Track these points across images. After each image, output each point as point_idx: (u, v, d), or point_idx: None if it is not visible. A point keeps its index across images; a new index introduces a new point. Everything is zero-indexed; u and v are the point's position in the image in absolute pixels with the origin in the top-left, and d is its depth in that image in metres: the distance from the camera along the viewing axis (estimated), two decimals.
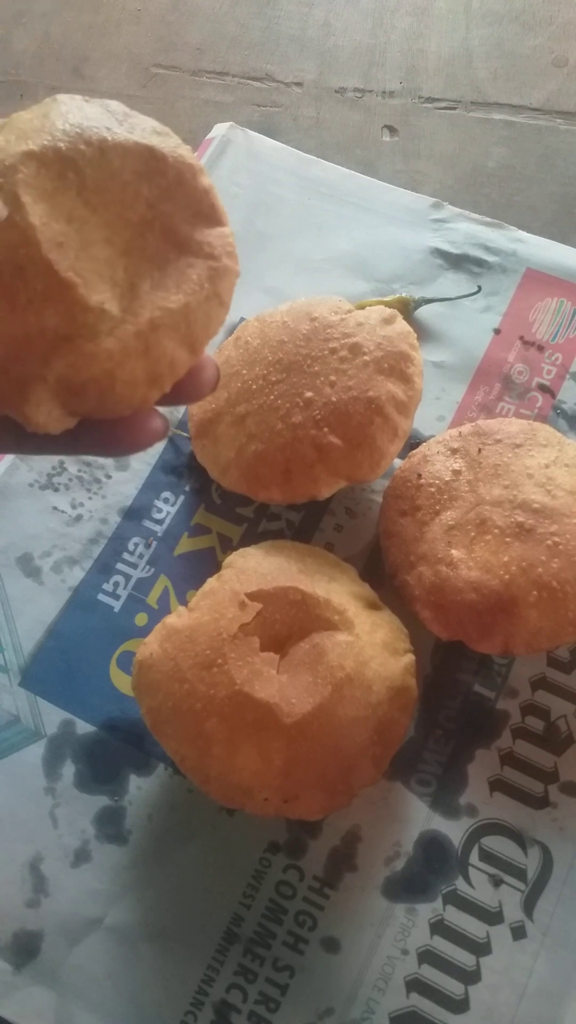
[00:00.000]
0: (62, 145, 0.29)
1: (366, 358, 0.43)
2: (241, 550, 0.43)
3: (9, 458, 0.49)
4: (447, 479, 0.44)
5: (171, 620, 0.41)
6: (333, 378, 0.43)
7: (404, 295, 0.50)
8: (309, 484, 0.43)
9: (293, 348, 0.44)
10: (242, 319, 0.51)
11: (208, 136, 0.57)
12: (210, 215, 0.31)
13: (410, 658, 0.41)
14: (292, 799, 0.37)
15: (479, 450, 0.44)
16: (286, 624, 0.40)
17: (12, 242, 0.28)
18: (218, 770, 0.37)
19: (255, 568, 0.42)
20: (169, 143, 0.30)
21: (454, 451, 0.45)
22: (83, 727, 0.44)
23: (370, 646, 0.39)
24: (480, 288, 0.51)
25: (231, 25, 0.62)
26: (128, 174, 0.29)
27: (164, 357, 0.29)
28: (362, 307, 0.49)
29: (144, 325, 0.29)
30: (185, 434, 0.49)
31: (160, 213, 0.30)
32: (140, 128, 0.30)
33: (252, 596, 0.40)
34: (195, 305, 0.30)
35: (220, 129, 0.57)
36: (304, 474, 0.43)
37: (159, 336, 0.29)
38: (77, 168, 0.29)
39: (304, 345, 0.44)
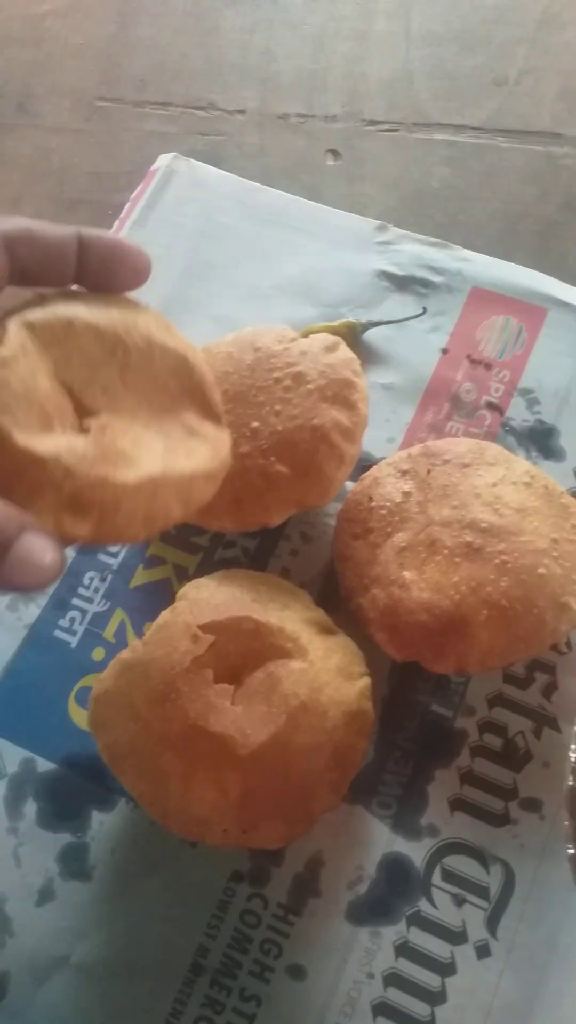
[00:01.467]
0: (120, 328, 0.34)
1: (310, 386, 0.43)
2: (195, 581, 0.44)
3: None
4: (398, 501, 0.45)
5: (125, 655, 0.41)
6: (279, 407, 0.43)
7: (351, 319, 0.51)
8: (260, 512, 0.44)
9: (238, 379, 0.44)
10: None
11: (152, 167, 0.57)
12: (217, 416, 0.37)
13: (366, 681, 0.41)
14: (251, 829, 0.37)
15: (428, 471, 0.45)
16: (240, 654, 0.40)
17: None
18: (176, 804, 0.37)
19: (208, 599, 0.42)
20: (199, 357, 0.36)
21: (404, 473, 0.45)
22: (44, 765, 0.44)
23: (324, 672, 0.40)
24: (425, 309, 0.52)
25: (173, 55, 0.63)
26: (164, 369, 0.35)
27: (164, 506, 0.34)
28: (307, 334, 0.50)
29: (158, 474, 0.34)
30: None
31: (178, 405, 0.36)
32: (179, 337, 0.36)
33: (205, 628, 0.40)
34: (199, 475, 0.35)
35: (164, 160, 0.57)
36: (254, 503, 0.43)
37: (167, 487, 0.34)
38: (127, 349, 0.34)
39: (249, 375, 0.44)
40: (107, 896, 0.41)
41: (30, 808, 0.43)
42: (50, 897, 0.41)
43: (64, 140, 0.61)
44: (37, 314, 0.32)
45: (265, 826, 0.38)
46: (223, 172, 0.57)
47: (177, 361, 0.36)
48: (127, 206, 0.56)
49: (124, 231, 0.55)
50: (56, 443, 0.31)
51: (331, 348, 0.45)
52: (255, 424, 0.43)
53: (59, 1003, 0.40)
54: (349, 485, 0.48)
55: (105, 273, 0.34)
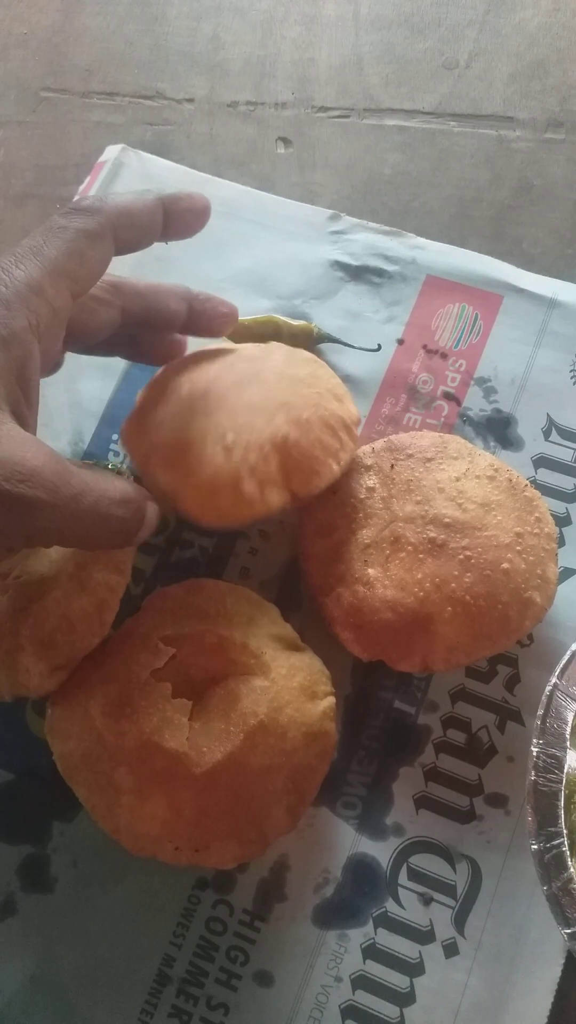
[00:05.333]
0: None
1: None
2: (160, 591, 0.43)
3: None
4: (361, 497, 0.44)
5: (84, 663, 0.40)
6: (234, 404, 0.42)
7: (311, 325, 0.50)
8: None
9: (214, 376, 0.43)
10: None
11: (100, 159, 0.56)
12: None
13: (329, 702, 0.40)
14: (203, 849, 0.37)
15: (391, 466, 0.44)
16: (202, 668, 0.39)
17: None
18: (128, 820, 0.37)
19: (172, 610, 0.41)
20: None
21: (368, 468, 0.45)
22: (1, 775, 0.43)
23: (286, 690, 0.39)
24: (380, 346, 0.50)
25: (119, 44, 0.61)
26: None
27: (100, 584, 0.38)
28: (271, 324, 0.49)
29: (72, 568, 0.38)
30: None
31: None
32: None
33: (167, 640, 0.39)
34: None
35: (112, 152, 0.56)
36: None
37: (87, 570, 0.38)
38: None
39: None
40: (70, 909, 0.41)
41: None
42: (11, 911, 0.41)
43: (9, 133, 0.59)
44: None
45: (217, 846, 0.37)
46: (172, 163, 0.56)
47: None
48: (75, 199, 0.55)
49: None
50: None
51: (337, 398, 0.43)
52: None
53: (23, 1018, 0.39)
54: None
55: (183, 227, 0.40)
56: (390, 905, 0.40)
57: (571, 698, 0.37)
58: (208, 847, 0.37)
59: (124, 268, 0.52)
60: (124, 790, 0.37)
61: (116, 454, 0.48)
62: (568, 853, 0.35)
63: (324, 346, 0.50)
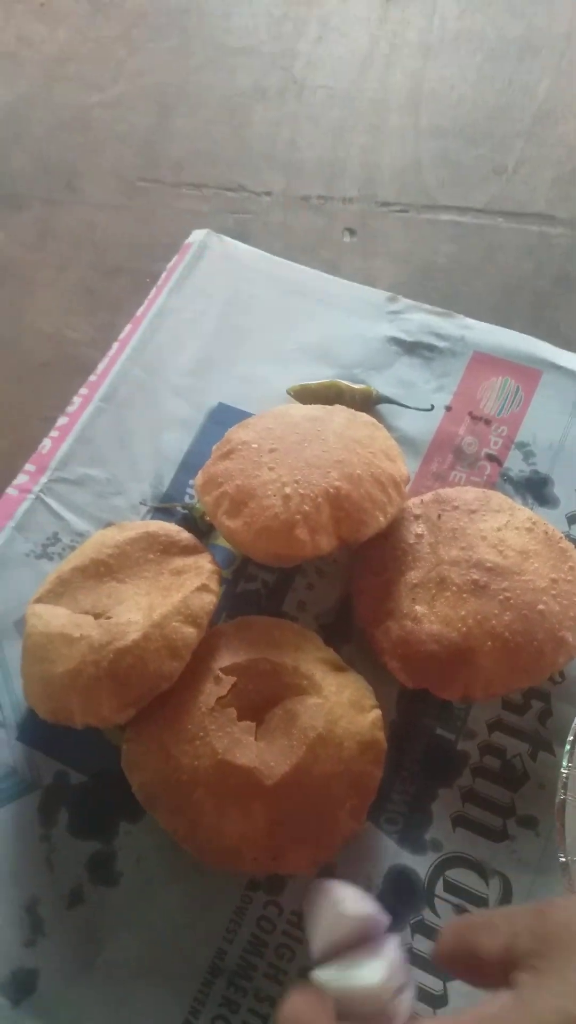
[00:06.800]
0: (99, 556, 0.47)
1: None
2: (215, 629, 0.47)
3: (8, 530, 0.53)
4: (411, 542, 0.49)
5: (153, 702, 0.43)
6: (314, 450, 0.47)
7: (371, 388, 0.56)
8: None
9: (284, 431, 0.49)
10: (220, 403, 0.57)
11: (187, 241, 0.63)
12: (195, 548, 0.48)
13: (376, 713, 0.44)
14: (280, 856, 0.40)
15: (439, 516, 0.49)
16: (260, 693, 0.43)
17: None
18: (208, 836, 0.40)
19: (226, 644, 0.45)
20: (167, 528, 0.49)
21: (417, 517, 0.50)
22: (76, 777, 0.47)
23: (338, 706, 0.43)
24: (433, 406, 0.56)
25: (207, 143, 0.70)
26: (138, 552, 0.47)
27: (175, 633, 0.43)
28: (335, 388, 0.55)
29: (157, 617, 0.43)
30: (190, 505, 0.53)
31: (162, 562, 0.47)
32: (135, 527, 0.49)
33: (226, 670, 0.43)
34: (190, 596, 0.44)
35: (198, 235, 0.63)
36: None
37: (168, 620, 0.43)
38: (107, 564, 0.47)
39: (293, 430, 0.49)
40: (132, 901, 0.44)
41: (62, 817, 0.46)
42: (79, 901, 0.44)
43: (107, 215, 0.67)
44: (39, 593, 0.48)
45: (293, 852, 0.41)
46: (250, 247, 0.63)
47: (144, 540, 0.48)
48: (164, 275, 0.62)
49: (161, 297, 0.61)
50: (79, 649, 0.43)
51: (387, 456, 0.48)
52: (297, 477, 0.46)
53: (84, 1000, 0.42)
54: None
55: None
56: (427, 914, 0.43)
57: None
58: (284, 855, 0.40)
59: (201, 338, 0.60)
60: (203, 810, 0.40)
61: (191, 497, 0.54)
62: None
63: (382, 409, 0.56)
